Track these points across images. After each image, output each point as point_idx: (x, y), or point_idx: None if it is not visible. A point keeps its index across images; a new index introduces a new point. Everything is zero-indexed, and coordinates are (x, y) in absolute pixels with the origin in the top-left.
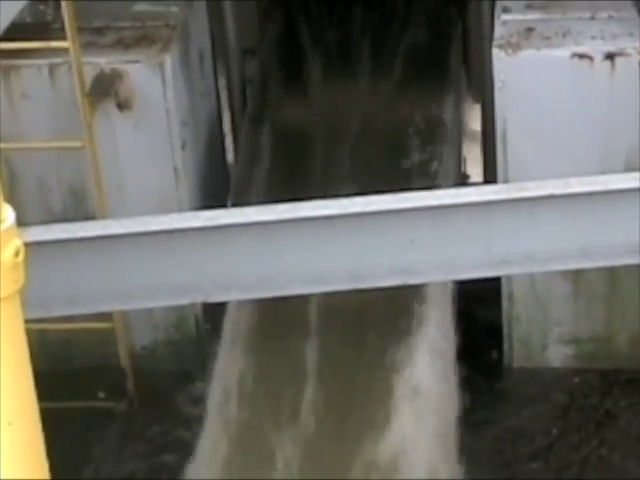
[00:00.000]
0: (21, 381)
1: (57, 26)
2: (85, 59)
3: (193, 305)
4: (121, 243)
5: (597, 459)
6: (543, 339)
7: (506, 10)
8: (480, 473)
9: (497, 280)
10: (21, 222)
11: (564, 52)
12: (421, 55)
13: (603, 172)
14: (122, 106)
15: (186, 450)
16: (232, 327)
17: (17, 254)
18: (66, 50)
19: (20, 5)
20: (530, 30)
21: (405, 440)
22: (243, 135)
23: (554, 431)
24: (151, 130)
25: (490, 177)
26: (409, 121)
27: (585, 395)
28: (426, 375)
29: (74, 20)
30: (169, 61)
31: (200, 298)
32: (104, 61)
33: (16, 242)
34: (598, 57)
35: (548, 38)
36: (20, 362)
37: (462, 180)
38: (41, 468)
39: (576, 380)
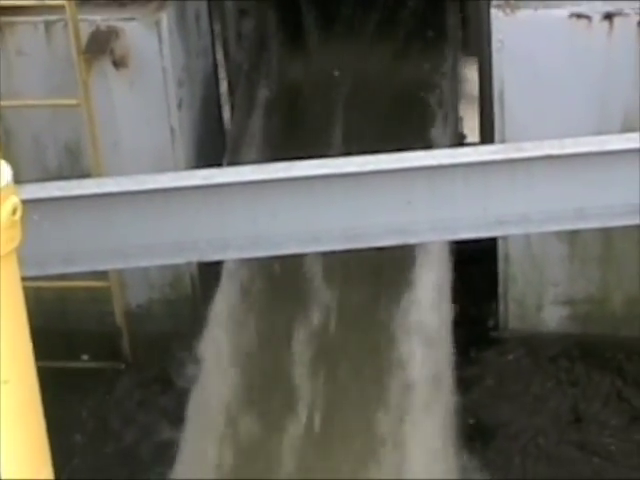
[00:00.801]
0: (19, 339)
1: None
2: (81, 16)
3: (189, 264)
4: (117, 201)
5: None
6: (538, 300)
7: None
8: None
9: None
10: (17, 180)
11: (562, 12)
12: (418, 15)
13: (600, 133)
14: (118, 64)
15: (179, 410)
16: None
17: (14, 212)
18: (62, 7)
19: None
20: None
21: None
22: (239, 94)
23: None
24: (147, 88)
25: (487, 138)
26: (406, 81)
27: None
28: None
29: None
30: (165, 19)
31: (196, 257)
32: (100, 18)
33: (13, 200)
34: (596, 17)
35: None
36: (18, 320)
37: (459, 140)
38: (38, 426)
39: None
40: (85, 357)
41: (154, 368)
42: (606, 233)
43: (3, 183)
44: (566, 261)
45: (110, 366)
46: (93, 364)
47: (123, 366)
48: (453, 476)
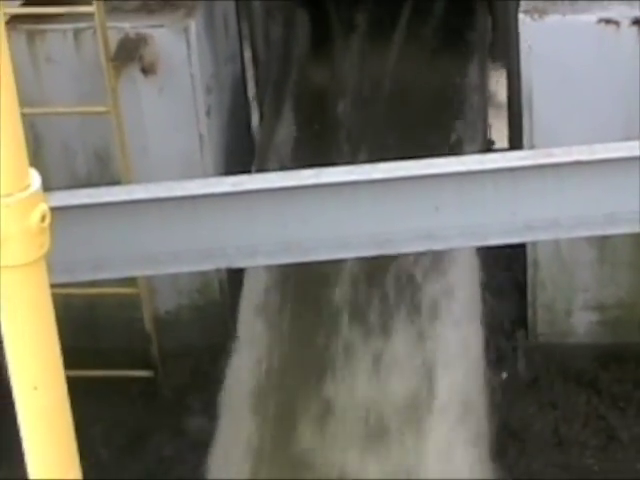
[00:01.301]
0: (47, 346)
1: None
2: (110, 24)
3: (217, 270)
4: (146, 208)
5: None
6: (568, 305)
7: None
8: None
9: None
10: (46, 187)
11: (590, 17)
12: (447, 21)
13: (628, 138)
14: (147, 71)
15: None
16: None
17: (43, 219)
18: (91, 15)
19: None
20: None
21: None
22: (267, 100)
23: None
24: (176, 95)
25: (516, 143)
26: (435, 86)
27: None
28: None
29: None
30: (194, 26)
31: (224, 264)
32: (129, 26)
33: (42, 207)
34: (625, 22)
35: (574, 3)
36: (46, 327)
37: (488, 146)
38: (67, 433)
39: None
40: (115, 363)
41: (184, 375)
42: (636, 238)
43: (32, 190)
44: (595, 266)
45: (139, 374)
46: (122, 372)
47: (152, 373)
48: None
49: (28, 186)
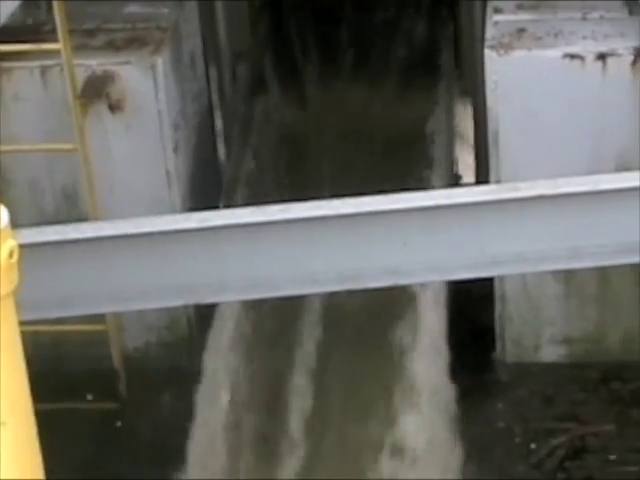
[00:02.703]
0: (16, 381)
1: (48, 28)
2: (77, 61)
3: (185, 306)
4: (114, 245)
5: None
6: (536, 339)
7: (497, 10)
8: None
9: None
10: (14, 224)
11: (556, 52)
12: (413, 56)
13: (594, 172)
14: (114, 108)
15: (177, 451)
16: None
17: (11, 255)
18: (58, 52)
19: (12, 7)
20: (522, 30)
21: None
22: (234, 137)
23: None
24: (143, 132)
25: (482, 178)
26: (400, 121)
27: None
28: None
29: (65, 22)
30: (160, 63)
31: (193, 300)
32: (95, 63)
33: (10, 243)
34: (590, 57)
35: (540, 38)
36: (15, 363)
37: (454, 181)
38: (36, 468)
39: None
40: (82, 399)
41: (151, 409)
42: (602, 272)
43: (0, 226)
44: (562, 300)
45: (107, 407)
46: (89, 404)
47: (119, 405)
48: None
49: None
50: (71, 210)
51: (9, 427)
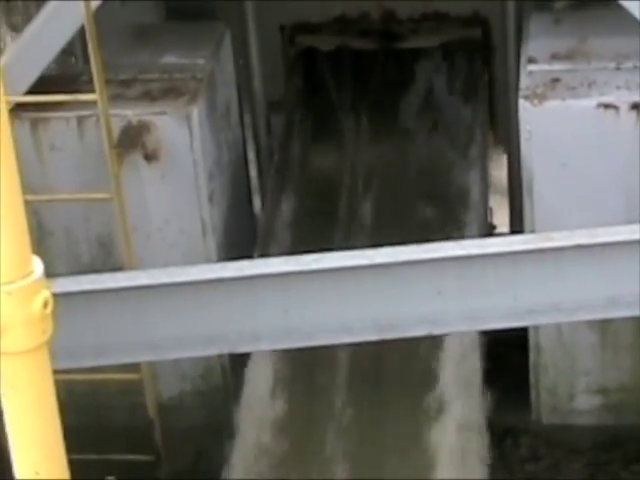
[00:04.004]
0: (49, 432)
1: (85, 78)
2: (113, 111)
3: (220, 355)
4: (148, 294)
5: None
6: (571, 389)
7: (532, 60)
8: None
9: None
10: (50, 273)
11: (590, 102)
12: (447, 106)
13: (629, 221)
14: (149, 157)
15: None
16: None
17: (46, 305)
18: (94, 102)
19: (49, 58)
20: (556, 80)
21: None
22: (269, 186)
23: None
24: (178, 181)
25: (517, 227)
26: (436, 171)
27: None
28: None
29: (102, 72)
30: (196, 113)
31: (227, 349)
32: (131, 113)
33: (45, 293)
34: (624, 107)
35: (574, 88)
36: (49, 413)
37: (489, 230)
38: None
39: None
40: (118, 449)
41: (187, 461)
42: (637, 321)
43: (34, 277)
44: (598, 350)
45: (141, 458)
46: (125, 456)
47: (154, 458)
48: None
49: (30, 273)
50: (106, 259)
51: (43, 476)
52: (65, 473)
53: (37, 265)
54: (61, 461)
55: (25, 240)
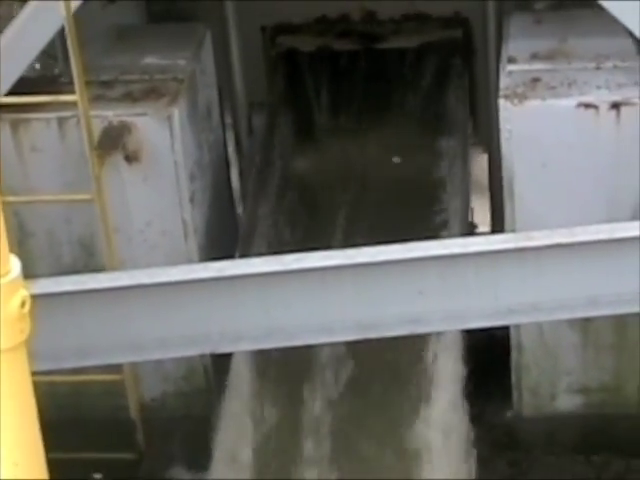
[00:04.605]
0: (27, 431)
1: (65, 80)
2: (93, 112)
3: (202, 356)
4: (130, 295)
5: None
6: (552, 388)
7: (512, 60)
8: None
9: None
10: (31, 275)
11: (570, 102)
12: (428, 105)
13: (610, 220)
14: (131, 159)
15: None
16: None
17: (23, 305)
18: (75, 103)
19: (29, 59)
20: (536, 80)
21: None
22: (250, 187)
23: None
24: (160, 182)
25: (498, 227)
26: (416, 172)
27: None
28: None
29: (82, 74)
30: (177, 114)
31: (209, 349)
32: (112, 114)
33: (22, 293)
34: (604, 107)
35: (554, 88)
36: (26, 412)
37: (470, 230)
38: None
39: None
40: (99, 449)
41: (168, 461)
42: (619, 320)
43: (12, 276)
44: (579, 349)
45: (123, 456)
46: (107, 454)
47: (136, 456)
48: None
49: (8, 273)
50: (88, 260)
51: (21, 478)
52: (44, 472)
53: (15, 265)
54: (40, 460)
55: (2, 241)
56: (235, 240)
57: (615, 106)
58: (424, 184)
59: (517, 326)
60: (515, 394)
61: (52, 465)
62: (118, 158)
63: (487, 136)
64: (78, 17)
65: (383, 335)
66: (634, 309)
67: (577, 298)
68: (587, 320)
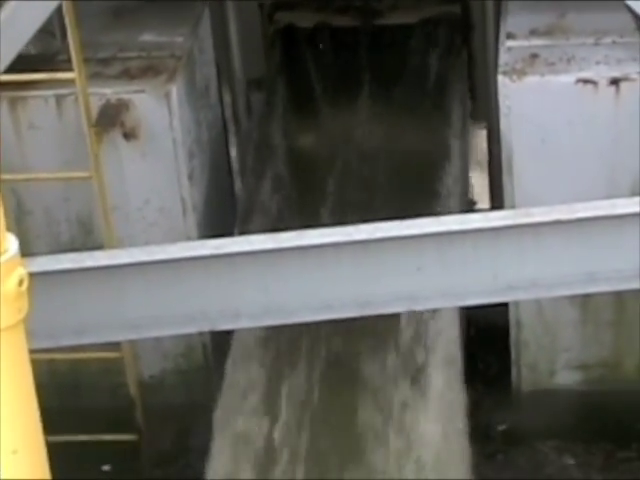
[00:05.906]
0: (26, 410)
1: (63, 57)
2: (91, 90)
3: (201, 334)
4: (128, 272)
5: None
6: (551, 365)
7: (510, 36)
8: None
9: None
10: (29, 253)
11: (569, 78)
12: (426, 82)
13: (609, 196)
14: (128, 136)
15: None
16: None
17: (21, 283)
18: (72, 81)
19: (27, 37)
20: (535, 56)
21: None
22: (249, 164)
23: None
24: (158, 160)
25: (497, 203)
26: (415, 147)
27: None
28: None
29: (80, 51)
30: (175, 91)
31: (207, 327)
32: (110, 91)
33: (20, 271)
34: (603, 82)
35: (553, 64)
36: (24, 391)
37: (469, 206)
38: None
39: None
40: (98, 427)
41: (168, 439)
42: (618, 297)
43: (9, 255)
44: (578, 326)
45: (123, 438)
46: (106, 436)
47: (136, 437)
48: None
49: (5, 251)
50: (86, 238)
51: (19, 455)
52: (43, 451)
53: (12, 243)
54: (39, 440)
55: (0, 218)
56: (234, 217)
57: (614, 82)
58: (423, 159)
59: (516, 303)
60: (514, 370)
61: (51, 448)
62: (116, 135)
63: (486, 112)
64: None
65: (381, 312)
66: (634, 285)
67: (576, 274)
68: (586, 296)
